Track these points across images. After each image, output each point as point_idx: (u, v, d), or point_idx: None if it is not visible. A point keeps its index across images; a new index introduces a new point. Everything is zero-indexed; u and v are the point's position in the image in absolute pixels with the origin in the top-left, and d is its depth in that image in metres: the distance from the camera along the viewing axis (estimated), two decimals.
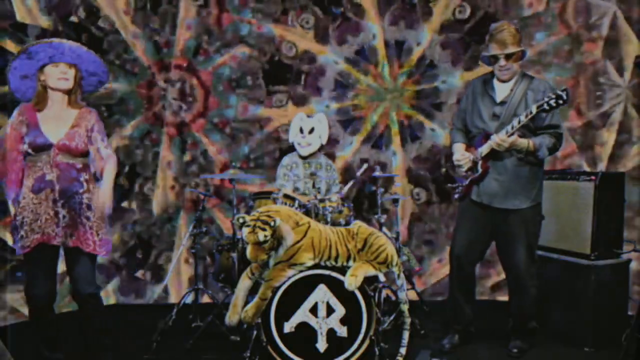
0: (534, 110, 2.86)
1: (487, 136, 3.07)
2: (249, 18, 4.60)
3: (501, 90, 3.13)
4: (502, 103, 3.10)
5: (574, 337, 3.36)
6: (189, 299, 3.82)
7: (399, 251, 3.78)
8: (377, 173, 3.92)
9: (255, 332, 2.93)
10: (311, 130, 3.90)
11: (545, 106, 2.83)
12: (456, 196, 3.28)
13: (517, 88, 3.07)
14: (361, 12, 4.63)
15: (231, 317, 2.83)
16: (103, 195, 2.64)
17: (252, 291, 2.89)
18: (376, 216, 3.82)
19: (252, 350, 2.96)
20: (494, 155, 3.07)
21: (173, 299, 4.57)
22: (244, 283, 2.87)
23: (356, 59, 4.66)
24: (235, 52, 4.62)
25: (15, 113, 2.68)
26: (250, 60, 4.63)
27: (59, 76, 2.64)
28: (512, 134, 2.95)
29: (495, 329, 3.55)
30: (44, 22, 4.27)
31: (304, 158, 3.96)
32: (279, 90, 4.67)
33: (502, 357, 3.21)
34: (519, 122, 2.92)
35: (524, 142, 2.97)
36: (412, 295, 4.03)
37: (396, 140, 4.71)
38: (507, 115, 3.03)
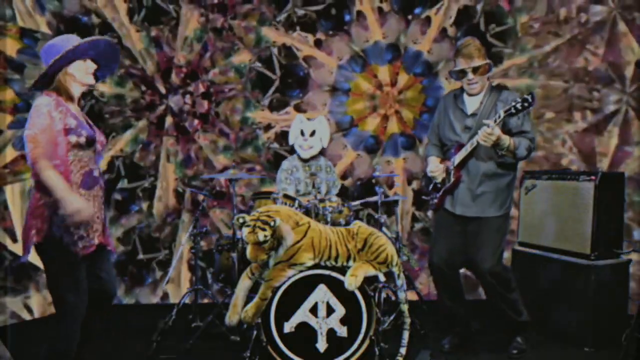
0: (502, 115, 2.89)
1: (460, 147, 3.13)
2: (250, 25, 4.59)
3: (471, 103, 3.17)
4: (473, 115, 3.14)
5: (574, 337, 3.36)
6: (189, 299, 3.82)
7: (399, 251, 3.78)
8: (377, 173, 3.92)
9: (255, 332, 2.93)
10: (312, 133, 3.90)
11: (512, 110, 2.87)
12: (430, 207, 3.33)
13: (487, 100, 3.12)
14: (361, 18, 4.62)
15: (231, 317, 2.83)
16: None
17: (252, 291, 2.89)
18: (376, 216, 3.82)
19: (252, 350, 2.96)
20: (468, 164, 3.11)
21: (173, 299, 4.57)
22: (244, 283, 2.87)
23: (358, 65, 4.64)
24: (237, 59, 4.61)
25: (48, 101, 2.42)
26: (251, 67, 4.62)
27: (88, 71, 2.55)
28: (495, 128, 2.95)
29: (495, 329, 3.55)
30: (44, 25, 4.28)
31: (304, 161, 3.96)
32: (281, 96, 4.65)
33: (502, 357, 3.22)
34: (489, 126, 2.90)
35: (506, 138, 2.98)
36: (412, 295, 4.03)
37: (396, 145, 4.70)
38: (478, 126, 3.05)
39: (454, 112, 3.23)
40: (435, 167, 3.25)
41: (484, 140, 2.94)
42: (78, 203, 2.32)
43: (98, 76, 2.64)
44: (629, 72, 4.31)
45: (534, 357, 3.21)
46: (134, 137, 4.59)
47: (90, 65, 2.55)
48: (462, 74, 3.11)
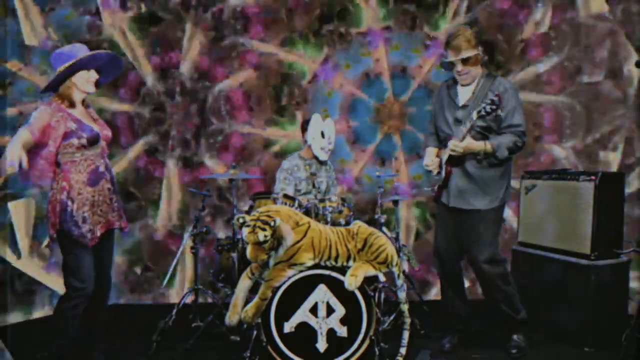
0: (475, 117, 2.91)
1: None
2: (255, 42, 4.59)
3: (463, 94, 3.16)
4: (464, 107, 3.13)
5: (574, 337, 3.36)
6: (189, 299, 3.82)
7: (399, 251, 3.78)
8: (377, 173, 3.92)
9: (255, 332, 2.93)
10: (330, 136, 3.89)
11: (483, 112, 2.88)
12: (434, 197, 3.36)
13: (479, 91, 3.10)
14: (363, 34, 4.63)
15: (231, 317, 2.83)
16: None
17: (252, 291, 2.89)
18: (376, 216, 3.82)
19: (252, 350, 2.97)
20: (458, 159, 3.11)
21: (173, 299, 4.57)
22: (244, 283, 2.87)
23: (361, 81, 4.64)
24: (242, 75, 4.61)
25: (47, 111, 2.69)
26: (256, 84, 4.62)
27: (89, 80, 2.80)
28: (464, 139, 2.98)
29: (495, 329, 3.55)
30: (50, 43, 4.28)
31: (305, 160, 3.94)
32: (285, 112, 4.66)
33: (502, 357, 3.22)
34: (466, 129, 2.97)
35: (479, 145, 2.99)
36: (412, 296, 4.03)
37: (400, 160, 4.70)
38: (469, 118, 3.05)
39: (448, 103, 3.22)
40: (430, 161, 3.25)
41: (452, 151, 3.00)
42: (11, 152, 2.46)
43: (100, 83, 2.90)
44: (631, 87, 4.30)
45: (534, 357, 3.21)
46: (138, 151, 4.60)
47: (93, 75, 2.82)
48: (452, 65, 3.10)
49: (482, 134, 3.06)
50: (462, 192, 3.14)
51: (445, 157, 3.14)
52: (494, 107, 2.86)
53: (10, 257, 4.14)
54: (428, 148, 3.35)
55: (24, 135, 2.56)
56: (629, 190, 4.18)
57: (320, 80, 4.64)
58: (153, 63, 4.58)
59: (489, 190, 3.11)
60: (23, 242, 4.17)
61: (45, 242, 2.74)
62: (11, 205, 4.14)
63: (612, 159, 4.37)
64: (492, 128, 3.06)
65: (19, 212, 4.18)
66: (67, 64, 2.72)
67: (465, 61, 3.05)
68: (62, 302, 2.78)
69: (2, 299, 4.07)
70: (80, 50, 2.79)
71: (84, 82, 2.78)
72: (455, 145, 2.98)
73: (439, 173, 3.24)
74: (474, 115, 2.91)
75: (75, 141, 2.71)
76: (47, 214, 2.75)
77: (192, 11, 4.55)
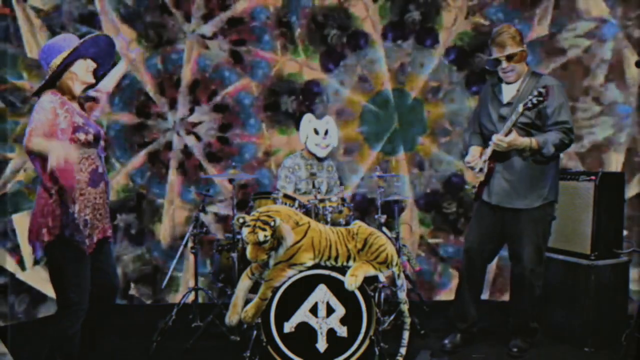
0: (521, 109, 2.90)
1: None
2: (252, 49, 4.60)
3: (508, 92, 3.15)
4: (509, 104, 3.12)
5: (574, 337, 3.36)
6: (189, 299, 3.82)
7: (399, 251, 3.78)
8: (378, 173, 3.92)
9: (255, 332, 2.93)
10: (326, 132, 3.88)
11: (529, 104, 2.88)
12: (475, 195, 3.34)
13: (523, 88, 3.09)
14: (365, 37, 4.63)
15: (231, 317, 2.84)
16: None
17: (252, 291, 2.89)
18: (376, 216, 3.82)
19: (252, 350, 2.96)
20: (501, 155, 3.09)
21: (173, 299, 4.57)
22: (244, 283, 2.87)
23: (360, 85, 4.65)
24: (244, 83, 4.62)
25: (53, 99, 2.42)
26: (254, 91, 4.63)
27: (88, 70, 2.56)
28: (509, 134, 2.97)
29: (495, 329, 3.55)
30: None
31: (307, 159, 3.94)
32: (283, 119, 4.67)
33: (503, 357, 3.21)
34: (512, 122, 2.96)
35: (525, 141, 2.98)
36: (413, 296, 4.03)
37: (404, 167, 4.69)
38: (514, 112, 3.03)
39: (492, 100, 3.22)
40: (472, 157, 3.22)
41: (496, 146, 2.97)
42: (64, 150, 2.24)
43: (96, 75, 2.63)
44: (634, 89, 4.30)
45: (534, 357, 3.21)
46: (141, 161, 4.59)
47: (91, 64, 2.56)
48: (496, 62, 3.10)
49: (525, 130, 3.05)
50: (505, 190, 3.12)
51: (488, 153, 3.13)
52: (540, 99, 2.85)
53: (14, 269, 4.12)
54: (471, 147, 3.31)
55: (41, 140, 2.30)
56: (630, 193, 4.17)
57: (321, 86, 4.65)
58: (153, 73, 4.58)
59: (532, 188, 3.09)
60: (27, 254, 4.15)
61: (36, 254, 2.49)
62: (15, 218, 4.12)
63: (616, 161, 4.36)
64: (535, 125, 3.05)
65: (23, 224, 4.15)
66: (64, 53, 2.47)
67: (510, 58, 3.05)
68: (61, 320, 2.46)
69: (3, 299, 4.07)
70: (73, 40, 2.52)
71: (84, 72, 2.52)
72: (500, 140, 2.96)
73: (480, 170, 3.20)
74: (520, 107, 2.90)
75: (82, 136, 2.44)
76: (36, 221, 2.41)
77: (193, 20, 4.56)
